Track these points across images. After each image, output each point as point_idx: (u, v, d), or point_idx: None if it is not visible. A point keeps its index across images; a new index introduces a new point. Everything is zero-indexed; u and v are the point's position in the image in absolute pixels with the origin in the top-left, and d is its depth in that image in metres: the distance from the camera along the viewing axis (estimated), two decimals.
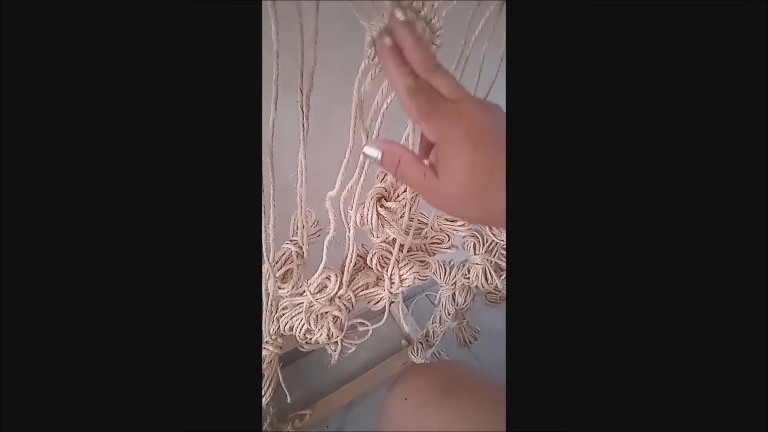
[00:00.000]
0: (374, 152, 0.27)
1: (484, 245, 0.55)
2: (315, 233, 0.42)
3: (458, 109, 0.25)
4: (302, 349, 0.49)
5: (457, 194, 0.25)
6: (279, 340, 0.47)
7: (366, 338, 0.50)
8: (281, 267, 0.40)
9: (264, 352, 0.47)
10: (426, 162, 0.27)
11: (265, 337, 0.47)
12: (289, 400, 0.54)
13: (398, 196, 0.40)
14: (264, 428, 0.65)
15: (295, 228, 0.40)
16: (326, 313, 0.45)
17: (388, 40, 0.25)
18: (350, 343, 0.48)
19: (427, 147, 0.29)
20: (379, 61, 0.27)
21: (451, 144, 0.24)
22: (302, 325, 0.45)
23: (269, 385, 0.47)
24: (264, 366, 0.47)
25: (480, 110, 0.25)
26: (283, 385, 0.51)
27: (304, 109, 0.30)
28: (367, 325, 0.50)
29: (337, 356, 0.50)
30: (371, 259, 0.46)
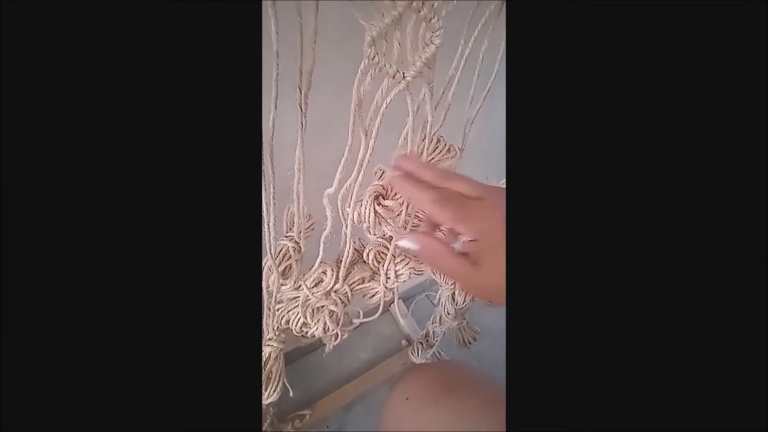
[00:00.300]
0: (411, 246, 0.29)
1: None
2: (309, 227, 0.42)
3: (487, 205, 0.27)
4: (301, 344, 0.48)
5: (499, 283, 0.26)
6: (282, 335, 0.47)
7: (361, 334, 0.50)
8: (280, 263, 0.41)
9: (269, 349, 0.47)
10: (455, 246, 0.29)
11: (269, 334, 0.47)
12: (291, 393, 0.54)
13: (396, 194, 0.40)
14: (264, 428, 0.65)
15: (289, 224, 0.40)
16: (322, 307, 0.45)
17: (395, 173, 0.28)
18: (345, 330, 0.49)
19: (432, 226, 0.31)
20: (396, 191, 0.29)
21: (491, 238, 0.26)
22: (298, 319, 0.45)
23: (278, 382, 0.47)
24: (270, 363, 0.47)
25: (501, 197, 0.27)
26: (285, 382, 0.51)
27: (302, 107, 0.30)
28: (360, 314, 0.50)
29: (331, 346, 0.50)
30: (368, 254, 0.46)
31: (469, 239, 0.27)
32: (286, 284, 0.42)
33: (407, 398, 0.48)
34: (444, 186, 0.28)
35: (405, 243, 0.29)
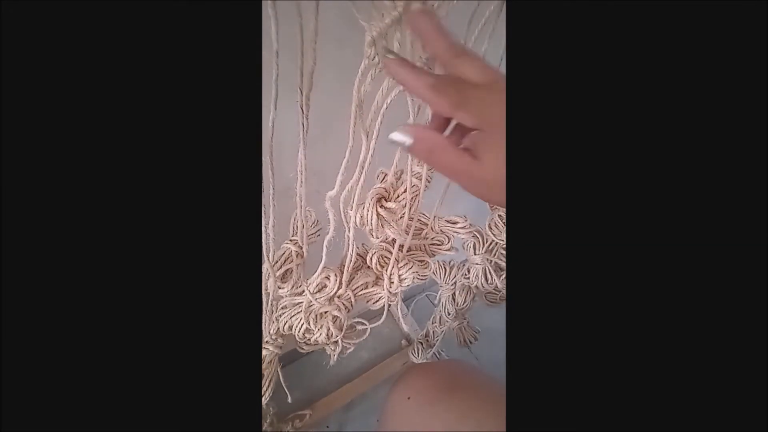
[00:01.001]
0: (404, 138, 0.25)
1: (484, 245, 0.55)
2: (314, 233, 0.42)
3: (495, 89, 0.24)
4: (301, 350, 0.49)
5: (500, 179, 0.24)
6: (279, 340, 0.47)
7: (365, 338, 0.50)
8: (281, 267, 0.41)
9: (264, 352, 0.47)
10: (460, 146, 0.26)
11: (266, 337, 0.47)
12: (289, 400, 0.54)
13: (398, 196, 0.40)
14: (264, 428, 0.65)
15: (295, 228, 0.40)
16: (325, 312, 0.45)
17: (390, 54, 0.25)
18: (349, 343, 0.48)
19: (438, 126, 0.28)
20: (391, 76, 0.26)
21: (496, 127, 0.23)
22: (301, 325, 0.45)
23: (269, 385, 0.47)
24: (264, 366, 0.47)
25: (504, 82, 0.24)
26: (283, 384, 0.51)
27: (303, 108, 0.30)
28: (366, 324, 0.50)
29: (336, 356, 0.50)
30: (371, 259, 0.46)
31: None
32: (284, 287, 0.42)
33: (408, 398, 0.48)
34: (454, 62, 0.24)
35: (397, 135, 0.25)
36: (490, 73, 0.24)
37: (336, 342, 0.48)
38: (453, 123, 0.27)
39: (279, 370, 0.49)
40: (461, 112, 0.24)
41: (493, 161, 0.24)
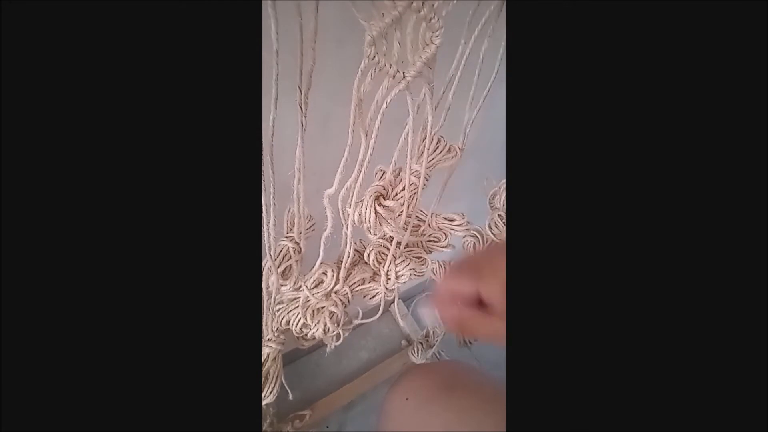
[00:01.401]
0: (432, 319, 0.31)
1: (483, 245, 0.55)
2: (309, 227, 0.42)
3: (492, 258, 0.29)
4: (301, 347, 0.49)
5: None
6: (282, 336, 0.47)
7: (361, 334, 0.50)
8: (280, 264, 0.41)
9: (267, 350, 0.47)
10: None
11: (268, 335, 0.47)
12: (290, 396, 0.54)
13: (396, 194, 0.40)
14: (264, 428, 0.65)
15: (290, 224, 0.40)
16: (323, 308, 0.45)
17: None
18: (347, 329, 0.49)
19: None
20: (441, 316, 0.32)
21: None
22: (298, 320, 0.45)
23: (275, 383, 0.47)
24: (269, 363, 0.47)
25: (495, 254, 0.30)
26: (284, 384, 0.51)
27: (303, 107, 0.30)
28: (359, 313, 0.50)
29: (332, 347, 0.50)
30: (368, 255, 0.46)
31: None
32: (285, 285, 0.42)
33: (407, 398, 0.48)
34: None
35: (426, 317, 0.32)
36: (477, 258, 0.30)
37: (333, 337, 0.48)
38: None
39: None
40: (482, 288, 0.29)
41: None
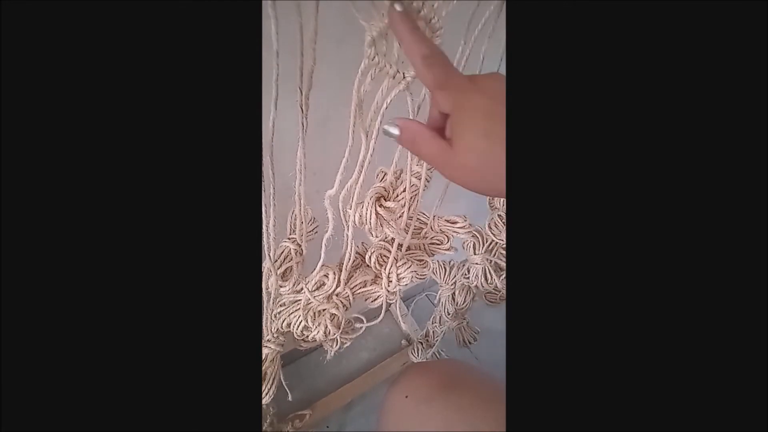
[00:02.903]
0: (393, 129, 0.28)
1: (483, 245, 0.55)
2: (312, 230, 0.42)
3: (472, 79, 0.25)
4: (300, 348, 0.49)
5: (472, 164, 0.25)
6: (281, 338, 0.47)
7: (365, 338, 0.50)
8: (281, 265, 0.41)
9: (266, 351, 0.47)
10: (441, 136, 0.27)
11: (267, 336, 0.47)
12: (290, 398, 0.54)
13: (397, 195, 0.40)
14: (264, 428, 0.65)
15: (293, 226, 0.40)
16: (324, 310, 0.45)
17: (398, 7, 0.25)
18: (347, 338, 0.49)
19: (435, 120, 0.29)
20: (392, 29, 0.27)
21: (466, 113, 0.25)
22: (299, 322, 0.45)
23: (272, 384, 0.47)
24: (266, 364, 0.47)
25: (491, 80, 0.25)
26: (284, 384, 0.51)
27: (303, 108, 0.30)
28: (364, 322, 0.50)
29: (333, 353, 0.50)
30: (370, 257, 0.46)
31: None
32: (285, 286, 0.42)
33: (406, 396, 0.48)
34: (419, 71, 0.26)
35: (388, 127, 0.28)
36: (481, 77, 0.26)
37: (334, 339, 0.48)
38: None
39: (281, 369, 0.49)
40: (439, 92, 0.25)
41: (464, 147, 0.25)
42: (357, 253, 0.45)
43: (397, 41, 0.27)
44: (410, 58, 0.26)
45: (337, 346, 0.49)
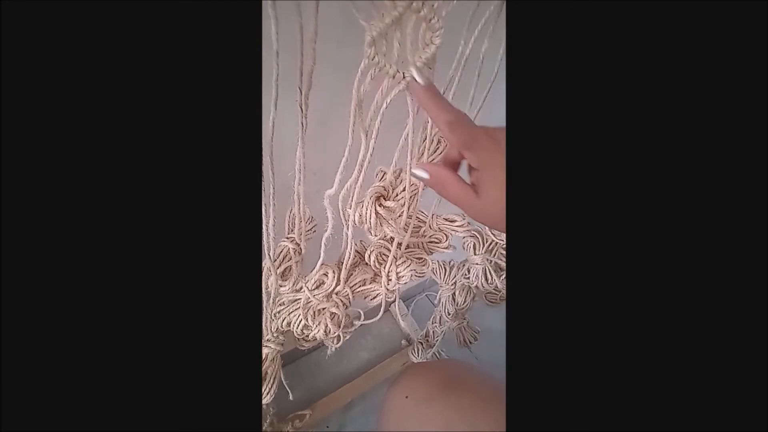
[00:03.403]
0: (422, 174, 0.31)
1: (484, 245, 0.55)
2: (310, 229, 0.42)
3: (491, 135, 0.28)
4: (301, 347, 0.49)
5: (496, 211, 0.28)
6: (281, 337, 0.47)
7: (361, 334, 0.50)
8: (280, 264, 0.41)
9: (266, 350, 0.47)
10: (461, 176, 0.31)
11: (267, 335, 0.47)
12: (291, 397, 0.54)
13: (397, 195, 0.40)
14: (264, 428, 0.65)
15: (291, 225, 0.40)
16: (323, 309, 0.45)
17: (420, 80, 0.28)
18: (347, 332, 0.49)
19: (453, 160, 0.33)
20: (415, 99, 0.30)
21: (492, 171, 0.28)
22: (299, 321, 0.45)
23: (272, 383, 0.47)
24: (267, 364, 0.47)
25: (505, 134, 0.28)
26: (284, 383, 0.51)
27: (303, 108, 0.30)
28: (361, 316, 0.50)
29: (333, 348, 0.50)
30: (369, 256, 0.46)
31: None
32: (285, 285, 0.42)
33: (406, 396, 0.48)
34: (445, 136, 0.29)
35: (417, 171, 0.31)
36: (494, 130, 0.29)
37: (333, 338, 0.48)
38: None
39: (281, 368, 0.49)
40: (467, 152, 0.29)
41: (490, 198, 0.28)
42: (356, 251, 0.45)
43: (424, 110, 0.30)
44: (436, 124, 0.29)
45: (338, 342, 0.49)
